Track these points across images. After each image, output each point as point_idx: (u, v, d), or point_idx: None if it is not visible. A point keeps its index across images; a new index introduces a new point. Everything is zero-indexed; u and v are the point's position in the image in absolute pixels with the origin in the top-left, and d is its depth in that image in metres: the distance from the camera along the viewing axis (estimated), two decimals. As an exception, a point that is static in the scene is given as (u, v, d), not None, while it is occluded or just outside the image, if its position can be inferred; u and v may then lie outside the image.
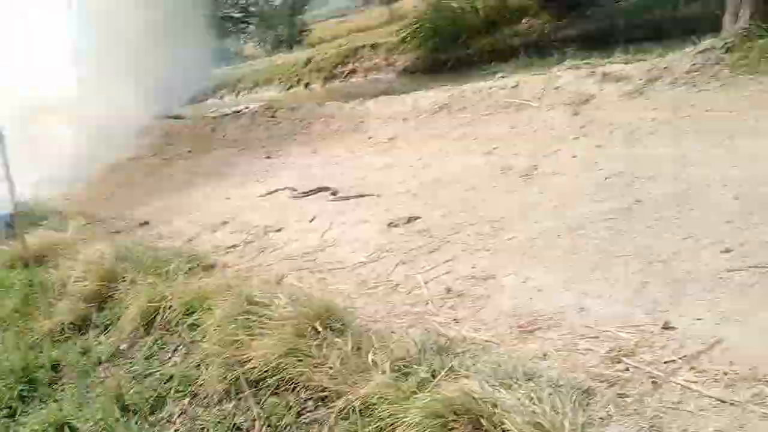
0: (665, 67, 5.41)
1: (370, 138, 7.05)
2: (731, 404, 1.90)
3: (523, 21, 12.75)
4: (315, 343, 2.60)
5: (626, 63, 5.89)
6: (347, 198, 5.13)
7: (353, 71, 15.90)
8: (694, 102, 4.87)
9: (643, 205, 3.50)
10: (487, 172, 4.84)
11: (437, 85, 7.78)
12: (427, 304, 3.00)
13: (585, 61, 6.35)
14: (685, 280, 2.64)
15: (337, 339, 2.59)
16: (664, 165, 4.01)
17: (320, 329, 2.64)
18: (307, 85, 16.88)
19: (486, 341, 2.54)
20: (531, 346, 2.45)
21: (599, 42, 8.66)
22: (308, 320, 2.69)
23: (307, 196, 5.51)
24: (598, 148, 4.70)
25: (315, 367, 2.53)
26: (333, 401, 2.41)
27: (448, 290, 3.08)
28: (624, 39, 7.49)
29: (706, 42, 5.43)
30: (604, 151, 4.59)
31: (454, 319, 2.79)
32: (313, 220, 4.80)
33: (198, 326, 3.22)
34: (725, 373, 2.03)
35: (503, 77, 6.81)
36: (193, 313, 3.34)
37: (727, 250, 2.78)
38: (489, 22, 13.09)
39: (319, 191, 5.51)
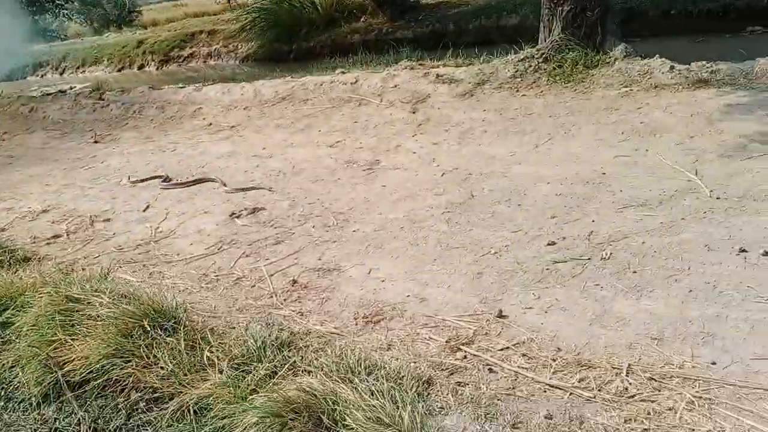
0: (491, 72, 5.81)
1: (210, 125, 6.72)
2: (559, 389, 2.06)
3: (362, 20, 13.01)
4: (144, 342, 2.46)
5: (457, 66, 6.25)
6: (184, 184, 4.84)
7: (192, 56, 15.14)
8: (518, 106, 5.28)
9: (477, 200, 3.71)
10: (332, 164, 4.84)
11: (279, 75, 7.65)
12: (272, 297, 2.92)
13: (419, 62, 6.65)
14: (516, 271, 2.84)
15: (169, 338, 2.43)
16: (495, 163, 4.29)
17: (148, 328, 2.46)
18: (141, 67, 15.77)
19: (331, 333, 2.53)
20: (375, 336, 2.48)
21: (431, 42, 9.11)
22: (135, 319, 2.55)
23: (140, 183, 5.10)
24: (435, 145, 4.91)
25: (144, 367, 2.39)
26: (166, 402, 2.29)
27: (294, 282, 3.02)
28: (453, 42, 7.92)
29: (526, 51, 5.91)
30: (441, 148, 4.82)
31: (300, 312, 2.74)
32: (147, 209, 4.46)
33: (11, 325, 2.93)
34: (553, 359, 2.20)
35: (343, 72, 6.86)
36: (5, 310, 3.04)
37: (552, 243, 3.03)
38: (329, 17, 13.20)
39: (154, 179, 5.13)
